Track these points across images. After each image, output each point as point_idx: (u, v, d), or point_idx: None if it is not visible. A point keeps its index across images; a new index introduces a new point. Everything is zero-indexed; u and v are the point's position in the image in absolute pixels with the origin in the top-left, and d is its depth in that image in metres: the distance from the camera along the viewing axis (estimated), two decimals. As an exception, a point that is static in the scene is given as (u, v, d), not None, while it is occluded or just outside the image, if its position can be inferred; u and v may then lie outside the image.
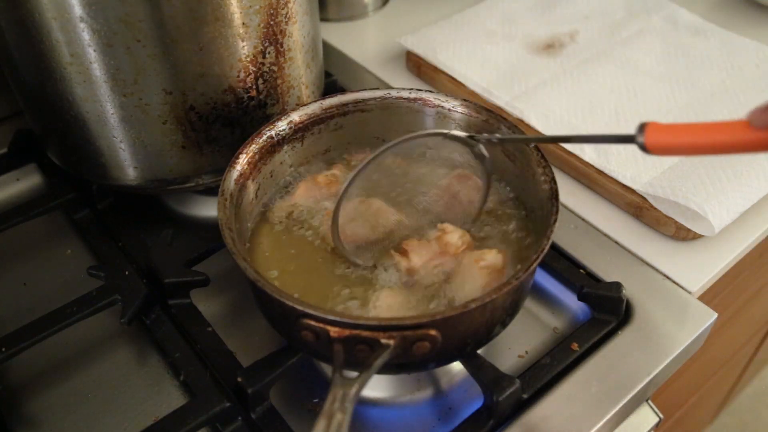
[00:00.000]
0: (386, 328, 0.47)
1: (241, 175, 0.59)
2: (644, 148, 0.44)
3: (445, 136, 0.57)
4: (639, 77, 0.86)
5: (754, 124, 0.40)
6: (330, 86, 0.87)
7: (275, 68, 0.67)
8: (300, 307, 0.47)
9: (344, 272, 0.58)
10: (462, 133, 0.58)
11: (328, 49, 1.00)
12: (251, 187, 0.61)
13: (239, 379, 0.55)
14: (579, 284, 0.64)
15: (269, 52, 0.66)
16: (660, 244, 0.70)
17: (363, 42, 1.03)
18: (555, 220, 0.53)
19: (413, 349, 0.48)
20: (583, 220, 0.73)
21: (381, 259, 0.58)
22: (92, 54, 0.59)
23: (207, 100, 0.64)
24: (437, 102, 0.65)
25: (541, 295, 0.68)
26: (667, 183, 0.70)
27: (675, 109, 0.82)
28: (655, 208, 0.70)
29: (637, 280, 0.66)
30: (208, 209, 0.77)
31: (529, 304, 0.67)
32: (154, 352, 0.64)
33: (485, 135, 0.58)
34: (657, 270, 0.68)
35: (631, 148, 0.75)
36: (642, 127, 0.44)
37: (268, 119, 0.66)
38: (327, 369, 0.62)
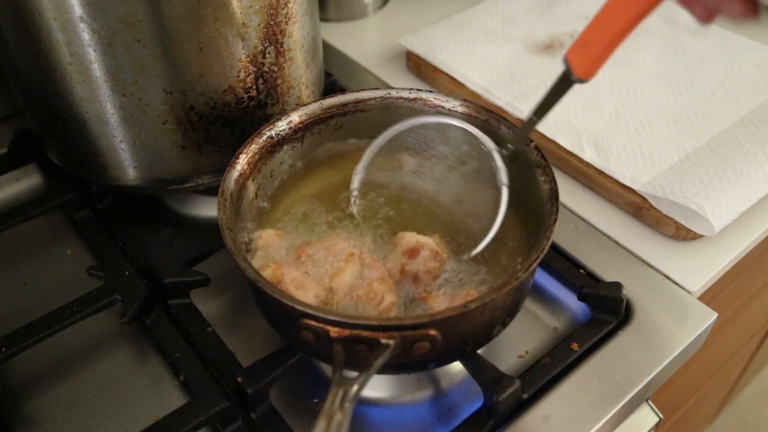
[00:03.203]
0: (386, 328, 0.47)
1: (241, 175, 0.59)
2: (579, 79, 0.46)
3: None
4: (639, 77, 0.86)
5: None
6: (330, 86, 0.87)
7: (275, 68, 0.67)
8: (300, 307, 0.47)
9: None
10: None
11: (328, 49, 1.00)
12: (251, 187, 0.61)
13: (239, 379, 0.55)
14: (579, 284, 0.64)
15: (269, 52, 0.66)
16: (660, 244, 0.70)
17: (363, 42, 1.03)
18: (555, 220, 0.53)
19: (413, 349, 0.48)
20: (583, 220, 0.73)
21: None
22: (92, 54, 0.59)
23: (207, 100, 0.64)
24: (437, 102, 0.65)
25: (541, 295, 0.68)
26: (667, 183, 0.70)
27: (675, 109, 0.82)
28: (655, 208, 0.70)
29: (637, 280, 0.66)
30: (208, 209, 0.77)
31: (529, 304, 0.67)
32: (154, 352, 0.64)
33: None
34: (657, 270, 0.68)
35: (632, 148, 0.75)
36: (565, 60, 0.46)
37: (268, 119, 0.66)
38: (327, 369, 0.62)
